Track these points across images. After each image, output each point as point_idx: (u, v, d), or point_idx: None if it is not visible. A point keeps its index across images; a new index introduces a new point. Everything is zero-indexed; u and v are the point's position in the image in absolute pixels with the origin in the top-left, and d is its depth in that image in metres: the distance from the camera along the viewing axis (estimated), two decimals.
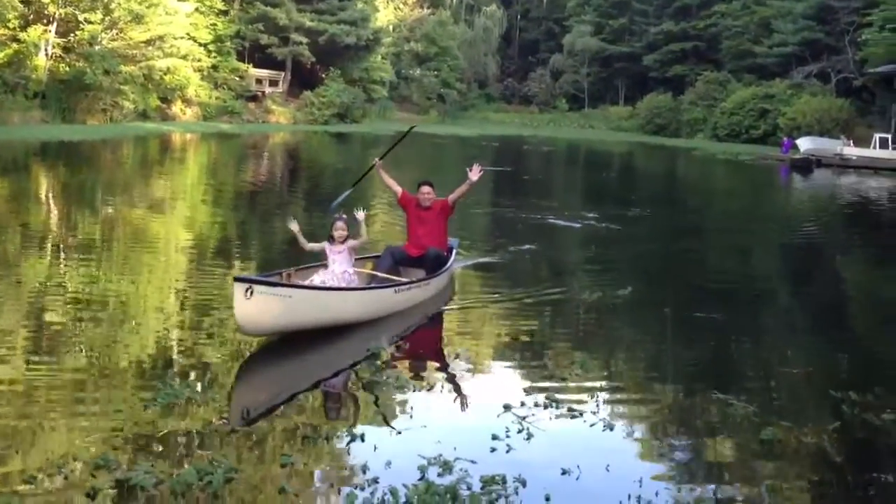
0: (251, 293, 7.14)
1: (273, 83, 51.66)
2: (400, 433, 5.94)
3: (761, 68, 67.05)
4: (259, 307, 7.19)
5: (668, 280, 12.45)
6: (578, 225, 17.65)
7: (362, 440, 5.74)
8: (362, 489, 5.01)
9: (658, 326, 9.65)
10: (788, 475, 5.65)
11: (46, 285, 9.73)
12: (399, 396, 6.70)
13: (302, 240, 8.84)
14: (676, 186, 32.34)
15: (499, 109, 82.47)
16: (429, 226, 10.16)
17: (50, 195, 18.60)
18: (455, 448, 5.59)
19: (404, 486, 5.03)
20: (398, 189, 10.52)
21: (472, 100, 79.93)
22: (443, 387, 6.99)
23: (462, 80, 75.41)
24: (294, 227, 8.82)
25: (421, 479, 5.17)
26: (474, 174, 9.91)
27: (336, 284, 8.46)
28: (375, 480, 5.11)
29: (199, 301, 9.25)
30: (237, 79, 47.88)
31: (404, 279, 9.38)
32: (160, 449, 5.44)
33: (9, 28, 32.28)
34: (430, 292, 9.58)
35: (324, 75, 53.06)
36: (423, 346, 8.40)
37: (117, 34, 36.69)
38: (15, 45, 32.07)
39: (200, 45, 44.40)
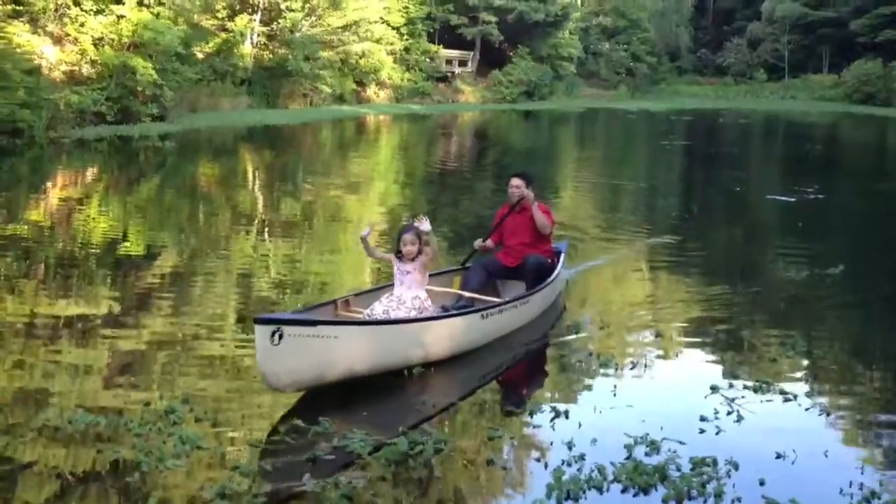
0: (279, 337, 5.52)
1: (462, 63, 52.16)
2: (604, 411, 5.89)
3: None
4: (292, 354, 5.57)
5: (882, 258, 11.68)
6: (785, 199, 16.84)
7: (566, 417, 5.75)
8: (569, 465, 5.01)
9: (873, 307, 9.09)
10: None
11: (253, 261, 10.36)
12: (602, 374, 6.65)
13: (371, 249, 7.21)
14: (889, 159, 30.19)
15: (691, 82, 79.63)
16: (525, 231, 8.35)
17: (256, 176, 19.65)
18: (661, 428, 5.49)
19: (611, 463, 4.99)
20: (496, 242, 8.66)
21: (662, 73, 77.60)
22: (646, 365, 6.87)
23: (652, 54, 73.29)
24: (365, 232, 7.14)
25: (628, 457, 5.11)
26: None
27: (404, 314, 6.68)
28: (581, 457, 5.09)
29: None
30: (428, 60, 48.64)
31: (494, 299, 7.59)
32: (373, 420, 5.67)
33: (218, 18, 34.21)
34: (532, 311, 7.75)
35: (511, 53, 53.11)
36: (623, 324, 8.26)
37: (316, 21, 38.11)
38: (223, 35, 33.95)
39: (393, 28, 45.42)
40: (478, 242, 8.57)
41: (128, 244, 11.32)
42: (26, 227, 12.12)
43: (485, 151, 28.31)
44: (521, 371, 6.91)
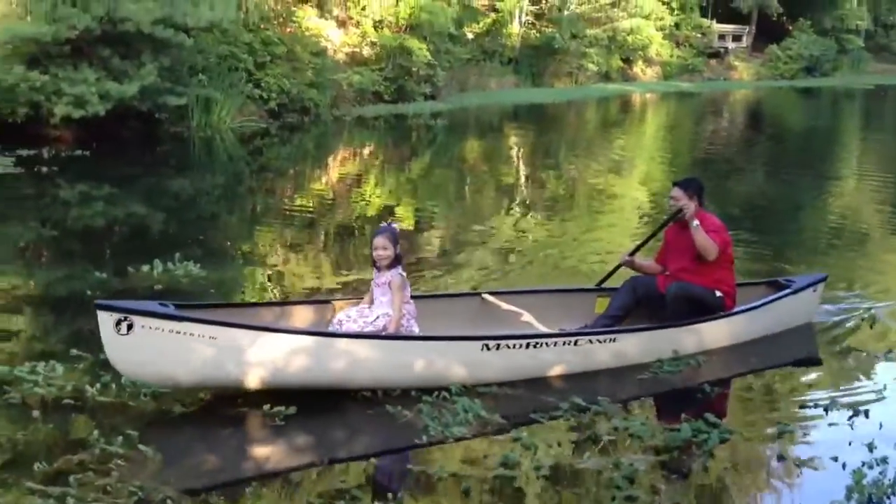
0: (129, 327, 4.92)
1: (736, 38, 49.68)
2: None
3: None
4: (149, 349, 4.96)
5: None
6: None
7: (866, 416, 5.34)
8: (870, 467, 4.61)
9: None
10: None
11: (514, 237, 10.55)
12: None
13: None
14: None
15: None
16: (685, 253, 6.42)
17: (520, 154, 19.83)
18: None
19: None
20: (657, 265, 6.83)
21: None
22: None
23: None
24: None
25: None
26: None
27: (355, 329, 5.63)
28: (884, 460, 4.68)
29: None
30: (699, 36, 46.86)
31: (568, 331, 6.04)
32: (652, 404, 5.54)
33: None
34: (628, 352, 5.97)
35: (791, 27, 50.00)
36: None
37: None
38: (493, 15, 34.54)
39: (664, 3, 44.15)
40: (623, 256, 6.96)
41: (400, 216, 11.77)
42: (311, 197, 12.97)
43: (757, 133, 26.85)
44: (811, 364, 6.46)
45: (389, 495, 4.30)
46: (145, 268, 7.83)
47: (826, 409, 5.40)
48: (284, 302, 6.71)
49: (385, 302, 5.73)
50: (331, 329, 5.71)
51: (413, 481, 4.49)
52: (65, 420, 4.95)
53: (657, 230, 6.85)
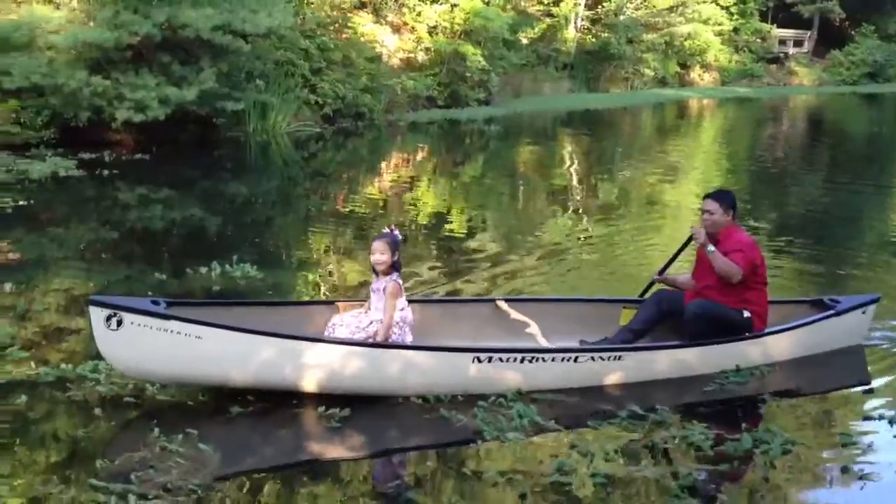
0: (118, 323, 5.06)
1: (797, 43, 48.91)
2: None
3: None
4: (137, 344, 5.09)
5: None
6: None
7: None
8: None
9: None
10: None
11: (563, 242, 10.49)
12: None
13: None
14: None
15: None
16: (712, 269, 6.02)
17: (573, 160, 19.70)
18: None
19: None
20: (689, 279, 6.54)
21: None
22: None
23: None
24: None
25: None
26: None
27: (345, 335, 5.59)
28: None
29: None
30: (759, 41, 46.21)
31: (564, 347, 5.75)
32: (711, 413, 5.45)
33: (543, 4, 34.70)
34: (636, 369, 5.72)
35: (854, 31, 49.05)
36: None
37: (641, 3, 37.61)
38: (548, 20, 34.43)
39: (722, 7, 43.61)
40: (654, 274, 6.74)
41: (451, 222, 11.73)
42: (364, 202, 13.03)
43: (816, 140, 26.35)
44: (868, 381, 6.25)
45: (444, 498, 4.30)
46: (203, 269, 7.93)
47: (891, 422, 5.26)
48: (289, 302, 6.83)
49: (380, 308, 5.63)
50: (326, 333, 5.69)
51: (468, 485, 4.47)
52: (125, 418, 5.04)
53: (675, 255, 6.63)
